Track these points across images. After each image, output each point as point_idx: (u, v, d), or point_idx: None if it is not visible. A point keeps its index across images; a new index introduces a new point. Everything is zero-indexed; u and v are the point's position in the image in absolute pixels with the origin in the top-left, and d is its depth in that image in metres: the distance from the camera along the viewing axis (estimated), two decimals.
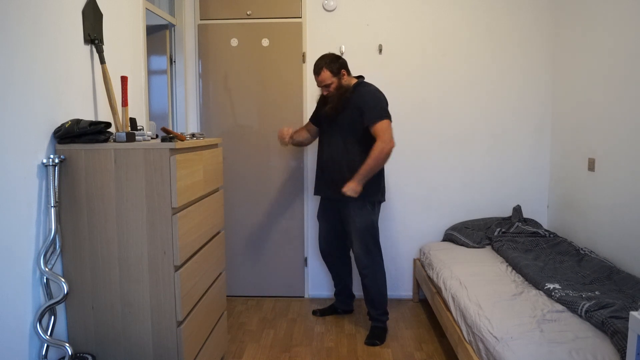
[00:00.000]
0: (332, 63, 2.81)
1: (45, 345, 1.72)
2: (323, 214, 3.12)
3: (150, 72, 3.25)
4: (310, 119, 3.13)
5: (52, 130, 1.81)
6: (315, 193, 3.09)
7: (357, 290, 3.33)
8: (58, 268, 1.84)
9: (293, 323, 3.18)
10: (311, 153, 3.49)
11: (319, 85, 2.87)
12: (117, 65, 2.32)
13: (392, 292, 3.60)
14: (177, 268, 1.86)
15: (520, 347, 1.83)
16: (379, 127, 2.73)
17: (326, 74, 2.80)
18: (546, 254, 2.87)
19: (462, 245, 3.27)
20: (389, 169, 3.51)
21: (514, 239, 3.11)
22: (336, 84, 2.82)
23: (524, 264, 2.67)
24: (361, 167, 2.71)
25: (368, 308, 3.01)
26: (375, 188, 2.86)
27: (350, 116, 2.81)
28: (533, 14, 3.41)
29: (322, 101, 2.95)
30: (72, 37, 1.95)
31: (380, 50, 3.45)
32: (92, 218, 1.82)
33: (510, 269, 2.74)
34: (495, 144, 3.51)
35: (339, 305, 3.32)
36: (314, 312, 3.31)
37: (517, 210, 3.41)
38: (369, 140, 2.77)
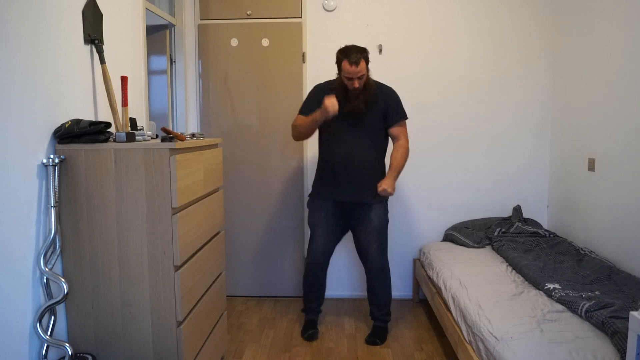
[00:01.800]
0: (365, 53, 2.64)
1: (45, 345, 1.72)
2: (326, 221, 2.85)
3: (150, 72, 3.25)
4: (302, 113, 2.78)
5: (52, 130, 1.81)
6: (323, 197, 2.83)
7: (362, 290, 3.32)
8: (58, 268, 1.84)
9: (293, 323, 3.18)
10: (311, 152, 3.49)
11: (351, 77, 2.60)
12: (117, 65, 2.32)
13: (392, 292, 3.60)
14: (177, 268, 1.86)
15: (520, 347, 1.83)
16: (404, 125, 2.80)
17: (363, 65, 2.60)
18: (546, 254, 2.87)
19: (462, 245, 3.27)
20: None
21: (514, 239, 3.11)
22: (367, 77, 2.67)
23: (524, 264, 2.67)
24: (394, 165, 2.72)
25: (372, 308, 2.97)
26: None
27: (377, 114, 2.73)
28: (533, 14, 3.41)
29: (342, 95, 2.67)
30: (72, 37, 1.95)
31: (380, 50, 3.45)
32: (92, 218, 1.82)
33: (510, 269, 2.74)
34: (495, 144, 3.51)
35: (317, 318, 3.08)
36: (310, 337, 2.94)
37: (517, 210, 3.41)
38: (385, 141, 2.84)
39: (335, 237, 2.93)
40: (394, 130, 2.79)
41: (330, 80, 2.83)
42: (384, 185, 2.66)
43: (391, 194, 2.69)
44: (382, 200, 2.84)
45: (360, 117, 2.71)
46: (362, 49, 2.64)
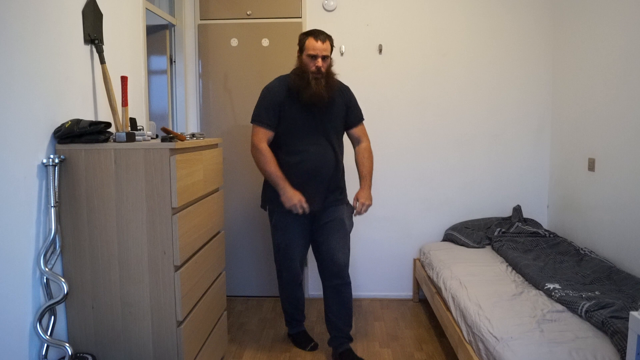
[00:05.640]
0: (332, 38, 2.50)
1: (45, 345, 1.72)
2: (301, 235, 2.59)
3: (150, 72, 3.25)
4: (265, 125, 2.48)
5: (52, 130, 1.81)
6: (295, 210, 2.47)
7: (361, 290, 3.30)
8: (58, 268, 1.84)
9: None
10: None
11: (315, 54, 2.40)
12: (117, 65, 2.32)
13: (392, 292, 3.60)
14: (177, 268, 1.86)
15: (520, 347, 1.83)
16: (363, 126, 2.69)
17: (329, 45, 2.45)
18: (546, 254, 2.87)
19: (462, 245, 3.27)
20: (389, 168, 3.51)
21: (514, 239, 3.11)
22: (330, 64, 2.49)
23: (524, 264, 2.67)
24: (365, 172, 2.61)
25: (342, 326, 2.59)
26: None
27: (340, 111, 2.57)
28: (533, 14, 3.41)
29: (301, 82, 2.43)
30: (72, 37, 1.95)
31: (380, 50, 3.45)
32: (92, 218, 1.82)
33: (510, 269, 2.74)
34: (495, 144, 3.51)
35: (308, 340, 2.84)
36: (313, 348, 2.78)
37: (517, 210, 3.41)
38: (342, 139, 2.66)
39: (307, 248, 2.70)
40: (356, 130, 2.65)
41: (281, 77, 2.58)
42: (363, 200, 2.55)
43: (370, 206, 2.59)
44: (347, 202, 2.67)
45: (323, 113, 2.50)
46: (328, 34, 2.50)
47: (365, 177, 2.61)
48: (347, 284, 2.57)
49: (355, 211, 2.60)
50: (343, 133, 2.66)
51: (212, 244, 2.33)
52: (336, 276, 2.55)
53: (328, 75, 2.46)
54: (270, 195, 2.59)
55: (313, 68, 2.41)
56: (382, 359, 2.69)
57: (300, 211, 2.44)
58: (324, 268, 2.59)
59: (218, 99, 3.54)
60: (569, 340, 1.85)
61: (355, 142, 2.69)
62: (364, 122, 2.70)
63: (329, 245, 2.54)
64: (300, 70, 2.45)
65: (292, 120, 2.48)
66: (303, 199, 2.44)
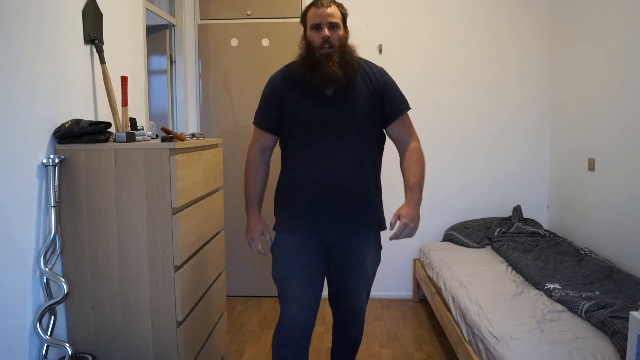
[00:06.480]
0: (343, 7, 1.89)
1: (45, 345, 1.72)
2: (304, 266, 1.90)
3: (150, 72, 3.25)
4: (260, 125, 1.98)
5: (52, 130, 1.81)
6: (299, 231, 1.92)
7: None
8: (58, 268, 1.84)
9: None
10: None
11: (319, 23, 1.80)
12: (117, 65, 2.32)
13: (392, 292, 3.60)
14: (177, 268, 1.86)
15: (520, 347, 1.83)
16: (408, 119, 1.94)
17: (336, 11, 1.83)
18: (546, 254, 2.87)
19: (462, 245, 3.27)
20: (388, 168, 3.50)
21: (514, 239, 3.11)
22: (344, 36, 1.84)
23: (524, 264, 2.67)
24: (413, 181, 1.91)
25: (338, 353, 2.17)
26: (382, 210, 2.02)
27: (365, 101, 1.87)
28: (533, 14, 3.41)
29: (307, 67, 1.82)
30: (72, 37, 1.95)
31: (380, 50, 3.45)
32: (92, 218, 1.82)
33: (510, 269, 2.74)
34: (495, 144, 3.51)
35: None
36: None
37: (517, 210, 3.41)
38: (381, 140, 1.99)
39: (319, 288, 1.93)
40: (398, 127, 1.92)
41: (288, 64, 1.96)
42: (406, 220, 1.83)
43: (415, 229, 1.86)
44: (379, 231, 1.99)
45: (340, 106, 1.84)
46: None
47: (411, 188, 1.91)
48: (356, 340, 2.09)
49: (391, 234, 1.85)
50: (377, 132, 1.96)
51: (212, 244, 2.33)
52: (344, 314, 2.04)
53: (343, 49, 1.82)
54: (275, 207, 2.10)
55: (319, 40, 1.80)
56: (382, 359, 2.69)
57: (256, 249, 2.04)
58: (336, 303, 2.05)
59: (218, 99, 3.54)
60: (569, 340, 1.85)
61: (398, 142, 1.97)
62: (408, 112, 1.96)
63: (339, 288, 1.99)
64: (306, 51, 1.85)
65: (295, 118, 1.88)
66: (256, 238, 2.01)
